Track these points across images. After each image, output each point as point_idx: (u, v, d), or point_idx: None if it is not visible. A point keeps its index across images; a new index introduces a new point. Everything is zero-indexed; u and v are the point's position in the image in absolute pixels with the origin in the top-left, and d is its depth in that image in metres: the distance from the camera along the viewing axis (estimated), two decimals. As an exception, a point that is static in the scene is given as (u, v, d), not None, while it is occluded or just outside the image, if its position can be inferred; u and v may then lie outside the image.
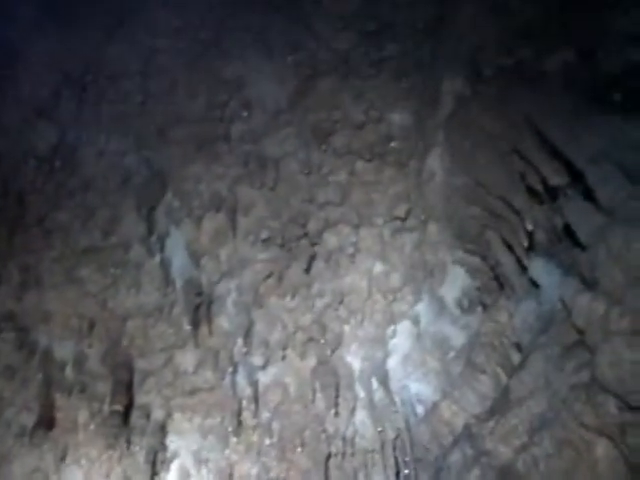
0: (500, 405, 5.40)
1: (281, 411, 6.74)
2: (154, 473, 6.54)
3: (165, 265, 7.15)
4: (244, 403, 6.78)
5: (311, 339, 6.95)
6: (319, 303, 7.05)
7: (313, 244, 7.19)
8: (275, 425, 6.69)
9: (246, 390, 6.82)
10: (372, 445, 6.55)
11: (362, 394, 6.78)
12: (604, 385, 4.36)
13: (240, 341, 6.94)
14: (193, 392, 6.87)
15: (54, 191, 7.27)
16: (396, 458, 6.45)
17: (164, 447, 6.69)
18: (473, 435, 5.49)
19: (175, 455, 6.70)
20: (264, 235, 7.18)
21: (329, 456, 6.52)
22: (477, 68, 6.61)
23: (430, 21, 7.22)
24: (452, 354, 6.60)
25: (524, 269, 5.91)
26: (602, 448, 4.34)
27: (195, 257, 7.21)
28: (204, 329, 6.96)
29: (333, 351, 6.92)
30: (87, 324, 6.93)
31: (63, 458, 6.46)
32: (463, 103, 6.64)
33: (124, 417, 6.63)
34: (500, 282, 6.44)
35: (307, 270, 7.09)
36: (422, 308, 6.94)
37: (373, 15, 7.45)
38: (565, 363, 4.81)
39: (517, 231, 5.94)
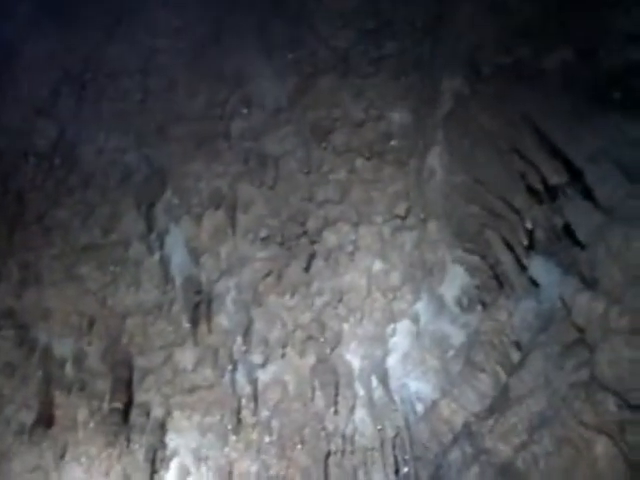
0: (500, 403, 5.40)
1: (280, 409, 6.75)
2: (154, 471, 6.55)
3: (164, 263, 7.16)
4: (243, 401, 6.80)
5: (310, 337, 6.97)
6: (318, 301, 7.06)
7: (312, 242, 7.19)
8: (275, 423, 6.70)
9: (245, 388, 6.84)
10: (372, 443, 6.57)
11: (362, 392, 6.79)
12: (603, 383, 4.37)
13: (239, 339, 6.96)
14: (192, 390, 6.89)
15: (54, 188, 7.28)
16: (395, 456, 6.46)
17: (164, 445, 6.71)
18: (472, 433, 5.50)
19: (174, 453, 6.72)
20: (263, 233, 7.19)
21: (329, 454, 6.54)
22: (476, 67, 6.61)
23: (429, 20, 7.22)
24: (451, 352, 6.60)
25: (523, 268, 5.92)
26: (601, 446, 4.36)
27: (194, 255, 7.22)
28: (203, 327, 6.97)
29: (332, 349, 6.94)
30: (87, 322, 6.95)
31: (63, 456, 6.47)
32: (462, 101, 6.64)
33: (124, 415, 6.65)
34: (499, 281, 6.45)
35: (306, 268, 7.10)
36: (421, 306, 6.95)
37: (372, 13, 7.44)
38: (565, 361, 4.83)
39: (516, 230, 5.95)
